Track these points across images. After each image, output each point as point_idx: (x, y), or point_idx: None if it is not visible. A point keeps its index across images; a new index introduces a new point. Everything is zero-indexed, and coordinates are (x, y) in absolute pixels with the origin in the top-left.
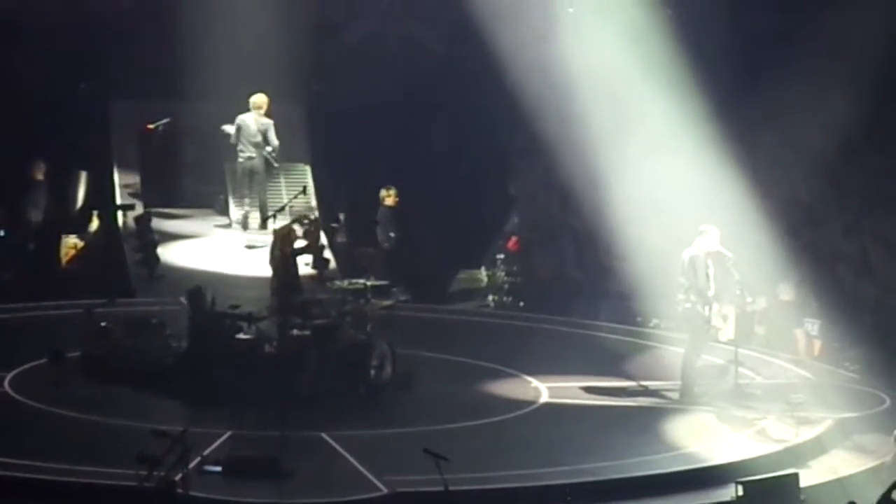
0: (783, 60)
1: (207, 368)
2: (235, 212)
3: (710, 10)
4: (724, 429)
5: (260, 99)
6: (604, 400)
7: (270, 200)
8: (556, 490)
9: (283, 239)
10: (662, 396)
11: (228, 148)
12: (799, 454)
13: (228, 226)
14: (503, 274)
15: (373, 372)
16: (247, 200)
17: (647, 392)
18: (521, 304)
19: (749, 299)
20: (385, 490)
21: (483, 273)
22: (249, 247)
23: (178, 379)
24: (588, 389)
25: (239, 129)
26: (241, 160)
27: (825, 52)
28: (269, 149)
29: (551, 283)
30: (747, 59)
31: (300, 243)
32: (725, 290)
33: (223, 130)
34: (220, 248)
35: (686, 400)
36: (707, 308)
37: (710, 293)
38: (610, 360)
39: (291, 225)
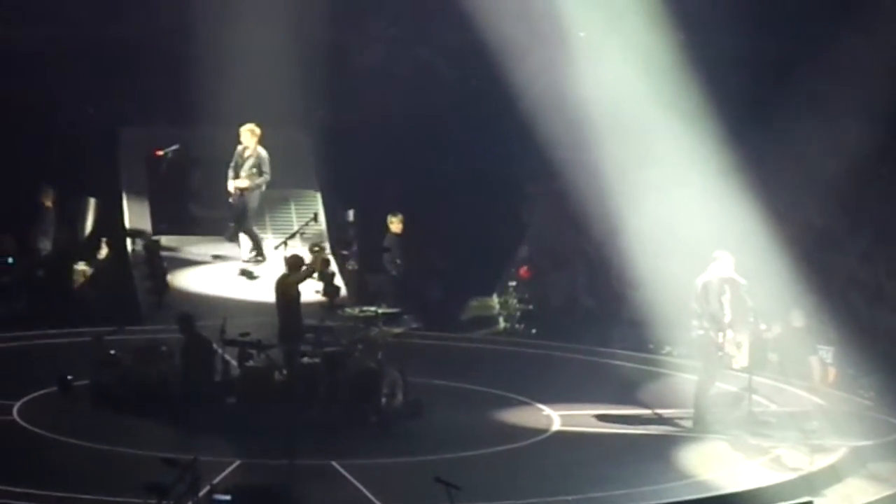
0: (796, 86)
1: (200, 394)
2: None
3: (723, 36)
4: (738, 457)
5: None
6: (616, 428)
7: (280, 228)
8: None
9: (291, 267)
10: (675, 424)
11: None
12: (813, 482)
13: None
14: (515, 301)
15: (383, 400)
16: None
17: (659, 420)
18: (534, 331)
19: (763, 326)
20: None
21: (495, 300)
22: (244, 273)
23: (186, 406)
24: (600, 417)
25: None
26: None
27: (839, 77)
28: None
29: (563, 311)
30: (760, 85)
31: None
32: (739, 317)
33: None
34: (230, 275)
35: (699, 428)
36: (721, 335)
37: (725, 320)
38: (622, 388)
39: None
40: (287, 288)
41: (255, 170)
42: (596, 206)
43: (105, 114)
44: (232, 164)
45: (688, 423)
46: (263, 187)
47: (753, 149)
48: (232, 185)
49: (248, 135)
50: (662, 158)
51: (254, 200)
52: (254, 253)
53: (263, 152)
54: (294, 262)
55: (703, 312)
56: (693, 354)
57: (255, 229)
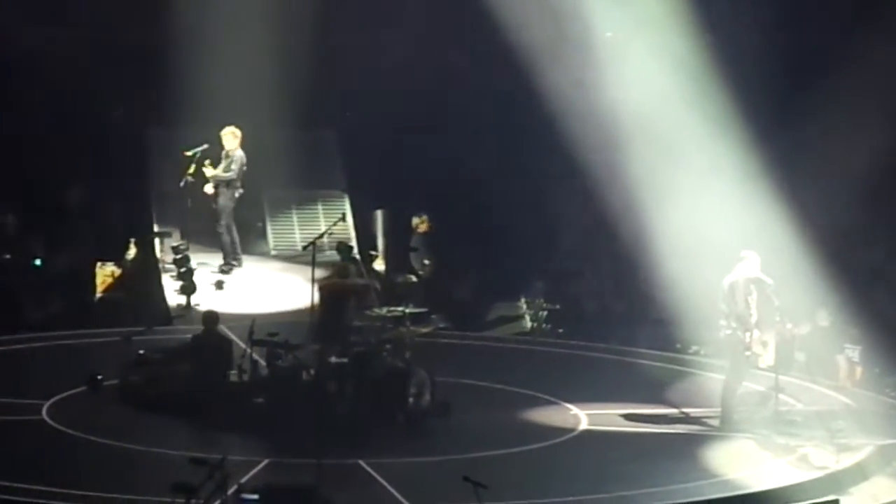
0: (824, 86)
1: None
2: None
3: (751, 36)
4: (765, 455)
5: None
6: (644, 427)
7: (308, 228)
8: None
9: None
10: (702, 423)
11: (266, 175)
12: (840, 481)
13: (267, 253)
14: (542, 301)
15: (411, 399)
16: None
17: (687, 419)
18: (560, 330)
19: (789, 325)
20: None
21: (522, 302)
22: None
23: (195, 406)
24: (628, 416)
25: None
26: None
27: (867, 77)
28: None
29: (591, 310)
30: (788, 85)
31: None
32: (766, 316)
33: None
34: (258, 275)
35: (726, 427)
36: (748, 334)
37: (752, 319)
38: (650, 387)
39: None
40: (334, 291)
41: (225, 167)
42: (623, 205)
43: (133, 115)
44: (200, 165)
45: (715, 423)
46: (238, 193)
47: (780, 149)
48: (208, 187)
49: (230, 137)
50: (690, 159)
51: (225, 203)
52: (224, 262)
53: (239, 154)
54: (340, 271)
55: (731, 312)
56: (720, 354)
57: (227, 234)
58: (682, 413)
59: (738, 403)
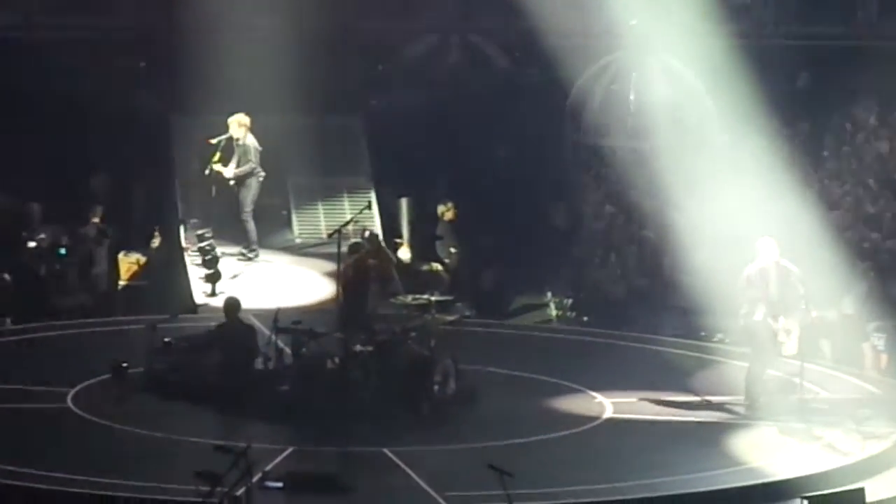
0: (849, 71)
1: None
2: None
3: (775, 24)
4: (789, 444)
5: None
6: (668, 415)
7: (333, 216)
8: None
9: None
10: (727, 411)
11: (291, 162)
12: (865, 469)
13: (292, 241)
14: (567, 289)
15: (436, 387)
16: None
17: (711, 407)
18: (585, 318)
19: (814, 313)
20: None
21: (547, 291)
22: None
23: (241, 394)
24: (652, 404)
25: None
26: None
27: (887, 62)
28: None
29: (615, 299)
30: (813, 71)
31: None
32: (790, 303)
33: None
34: (282, 264)
35: (752, 413)
36: (775, 321)
37: (781, 306)
38: (674, 375)
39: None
40: (353, 272)
41: (243, 159)
42: (649, 193)
43: (157, 102)
44: (225, 153)
45: (739, 410)
46: (260, 178)
47: (806, 136)
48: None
49: (236, 125)
50: (716, 144)
51: (245, 191)
52: (245, 249)
53: (251, 141)
54: (353, 248)
55: (756, 299)
56: (745, 341)
57: (250, 223)
58: (707, 401)
59: (764, 391)
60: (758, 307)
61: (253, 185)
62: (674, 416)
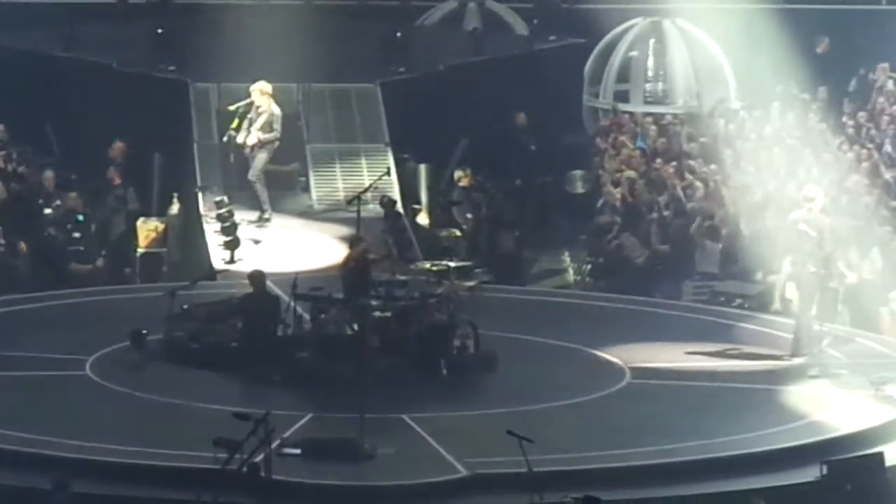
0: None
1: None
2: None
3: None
4: (807, 410)
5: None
6: (687, 381)
7: (351, 181)
8: (640, 471)
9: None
10: (745, 378)
11: (310, 129)
12: (884, 433)
13: (310, 207)
14: (586, 254)
15: (455, 353)
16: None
17: (730, 373)
18: (603, 284)
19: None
20: (464, 472)
21: (566, 256)
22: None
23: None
24: (671, 370)
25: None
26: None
27: None
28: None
29: (634, 264)
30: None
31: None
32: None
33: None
34: (300, 230)
35: (796, 365)
36: (826, 270)
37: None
38: (693, 341)
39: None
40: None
41: (266, 126)
42: (670, 158)
43: (176, 69)
44: (246, 121)
45: (780, 363)
46: (275, 144)
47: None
48: (242, 137)
49: (258, 93)
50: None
51: (262, 155)
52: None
53: (277, 110)
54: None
55: (810, 251)
56: (802, 290)
57: (259, 185)
58: (726, 367)
59: (812, 342)
60: (810, 258)
61: (268, 151)
62: (693, 381)
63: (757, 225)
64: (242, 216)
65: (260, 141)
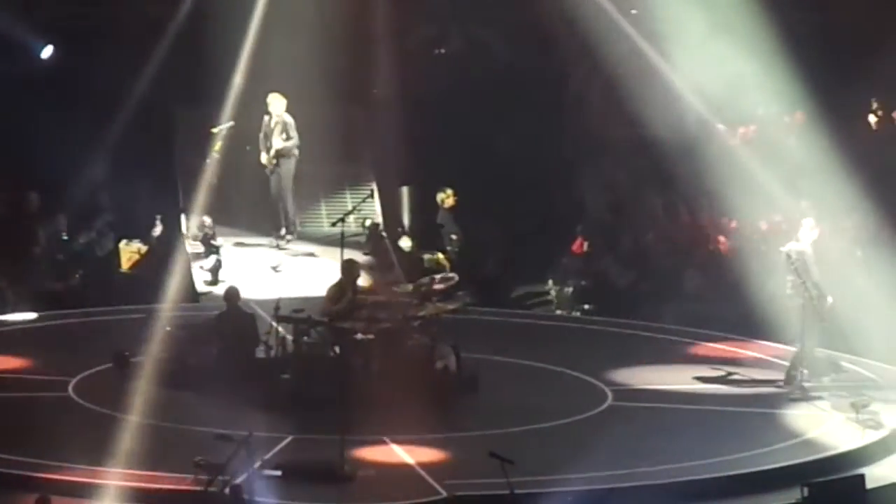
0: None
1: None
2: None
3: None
4: (786, 433)
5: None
6: (670, 403)
7: (335, 206)
8: (622, 493)
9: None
10: (729, 400)
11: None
12: (865, 456)
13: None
14: (568, 277)
15: (437, 375)
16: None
17: (713, 395)
18: (587, 307)
19: (830, 299)
20: (445, 494)
21: (549, 279)
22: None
23: (242, 382)
24: (654, 392)
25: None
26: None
27: None
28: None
29: (617, 287)
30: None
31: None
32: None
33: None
34: (283, 253)
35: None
36: (822, 301)
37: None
38: (676, 363)
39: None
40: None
41: (284, 135)
42: (653, 180)
43: (162, 94)
44: (261, 136)
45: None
46: (296, 151)
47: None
48: (264, 157)
49: (278, 100)
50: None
51: (289, 168)
52: (284, 231)
53: (289, 118)
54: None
55: (804, 282)
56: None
57: (292, 203)
58: (709, 389)
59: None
60: (804, 289)
61: (293, 159)
62: (676, 404)
63: (745, 249)
64: (228, 237)
65: (283, 149)
